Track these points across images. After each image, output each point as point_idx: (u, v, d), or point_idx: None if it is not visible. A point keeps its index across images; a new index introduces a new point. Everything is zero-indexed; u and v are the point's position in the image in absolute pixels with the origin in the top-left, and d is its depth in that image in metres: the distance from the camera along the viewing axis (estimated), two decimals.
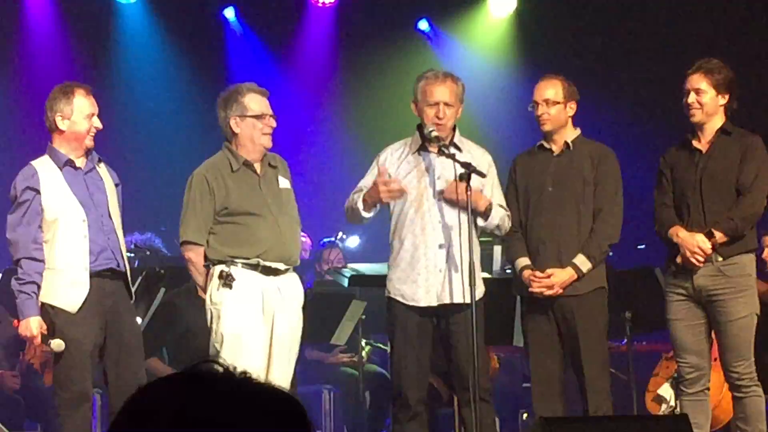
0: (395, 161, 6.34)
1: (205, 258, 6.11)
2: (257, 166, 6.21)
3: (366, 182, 6.35)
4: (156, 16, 11.25)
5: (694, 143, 6.35)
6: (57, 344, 5.87)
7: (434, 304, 6.17)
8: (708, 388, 6.32)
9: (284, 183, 6.30)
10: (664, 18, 10.79)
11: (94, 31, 11.05)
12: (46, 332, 5.89)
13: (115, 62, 11.10)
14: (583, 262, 6.31)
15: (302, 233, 10.00)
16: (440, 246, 6.19)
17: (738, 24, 10.51)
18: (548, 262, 6.38)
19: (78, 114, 6.03)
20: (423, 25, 11.66)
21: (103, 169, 6.20)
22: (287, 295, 6.15)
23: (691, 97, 6.31)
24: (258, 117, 6.14)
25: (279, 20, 11.67)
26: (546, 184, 6.44)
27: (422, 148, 6.33)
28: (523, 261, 6.45)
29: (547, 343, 6.39)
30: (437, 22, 11.68)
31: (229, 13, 11.49)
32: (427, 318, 6.22)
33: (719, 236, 6.17)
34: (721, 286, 6.21)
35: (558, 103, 6.47)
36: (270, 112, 6.20)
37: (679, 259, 6.26)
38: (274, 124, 6.20)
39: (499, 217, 6.30)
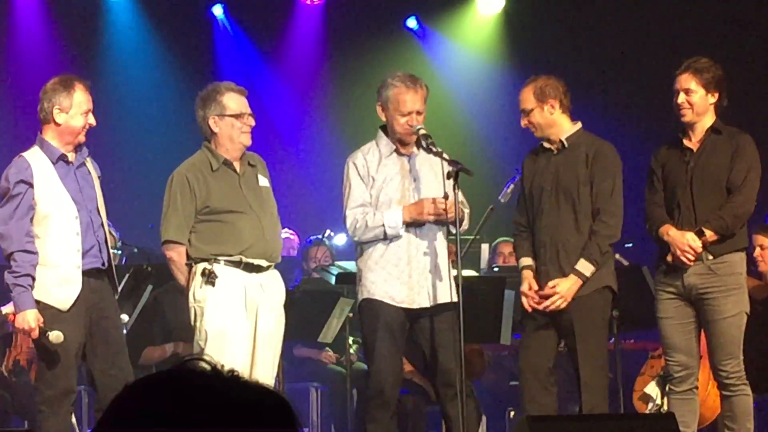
0: (374, 165, 6.31)
1: (187, 257, 6.12)
2: (237, 165, 6.22)
3: (362, 196, 6.30)
4: (144, 13, 11.23)
5: (685, 142, 6.35)
6: (55, 336, 5.82)
7: (426, 305, 6.20)
8: (696, 387, 6.33)
9: (263, 181, 6.31)
10: (653, 15, 10.80)
11: (82, 27, 11.03)
12: (43, 325, 5.86)
13: (102, 59, 11.07)
14: (585, 266, 6.24)
15: (291, 231, 10.02)
16: (427, 247, 6.21)
17: (729, 21, 10.52)
18: (548, 264, 6.34)
19: (76, 109, 5.99)
20: (411, 23, 11.67)
21: (89, 163, 6.18)
22: (270, 291, 6.16)
23: (681, 98, 6.30)
24: (237, 116, 6.15)
25: (267, 18, 11.66)
26: (546, 184, 6.42)
27: (396, 151, 6.33)
28: (525, 261, 6.42)
29: (541, 338, 6.36)
30: (426, 20, 11.68)
31: (218, 10, 11.48)
32: (405, 319, 6.24)
33: (710, 235, 6.17)
34: (710, 285, 6.21)
35: (533, 108, 6.41)
36: (249, 111, 6.20)
37: (669, 258, 6.26)
38: (253, 123, 6.21)
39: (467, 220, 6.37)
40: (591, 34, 10.96)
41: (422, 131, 6.24)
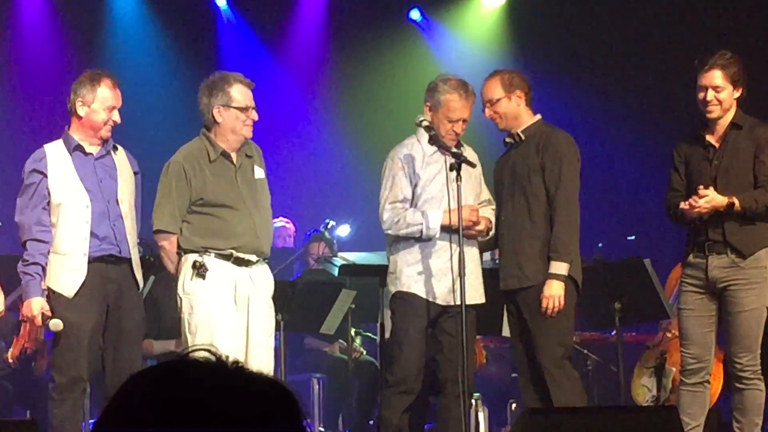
0: (419, 162, 6.35)
1: (178, 246, 6.13)
2: (234, 157, 6.21)
3: (403, 192, 6.33)
4: (147, 3, 11.23)
5: (708, 138, 6.31)
6: (54, 323, 5.93)
7: (458, 302, 6.24)
8: (708, 381, 6.33)
9: (259, 173, 6.29)
10: (657, 7, 10.78)
11: (85, 17, 11.02)
12: (49, 313, 5.93)
13: (105, 49, 11.07)
14: (556, 266, 6.28)
15: (286, 220, 9.98)
16: (462, 246, 6.23)
17: (739, 11, 10.50)
18: (506, 258, 6.42)
19: (99, 104, 6.06)
20: (415, 14, 11.65)
21: (120, 157, 6.23)
22: (259, 284, 6.17)
23: (710, 95, 6.23)
24: (242, 109, 6.13)
25: (271, 8, 11.66)
26: (505, 179, 6.48)
27: (439, 150, 6.37)
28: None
29: (522, 334, 6.44)
30: (429, 12, 11.67)
31: (221, 0, 11.47)
32: (436, 316, 6.33)
33: (736, 206, 6.13)
34: (734, 277, 6.20)
35: (501, 98, 6.43)
36: (253, 104, 6.19)
37: (685, 205, 6.17)
38: (256, 117, 6.19)
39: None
40: (595, 25, 10.94)
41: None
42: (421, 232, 6.29)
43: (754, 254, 6.21)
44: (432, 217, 6.29)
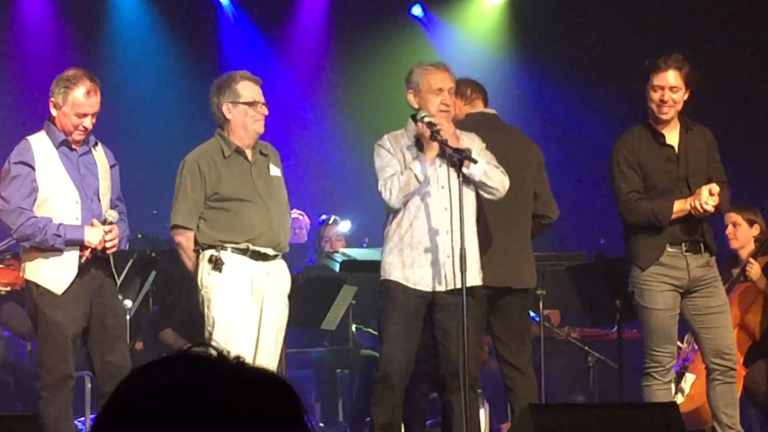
0: (399, 150, 6.34)
1: (195, 242, 6.16)
2: (248, 153, 6.26)
3: (393, 168, 6.26)
4: (149, 0, 11.23)
5: (667, 139, 6.36)
6: (112, 215, 5.98)
7: (441, 289, 6.20)
8: None
9: (275, 171, 6.36)
10: (657, 4, 10.79)
11: (87, 14, 11.03)
12: (104, 232, 5.91)
13: (107, 45, 11.07)
14: None
15: (300, 212, 9.95)
16: (446, 232, 6.20)
17: (733, 13, 10.51)
18: None
19: (69, 108, 5.95)
20: (417, 10, 11.66)
21: (99, 152, 6.17)
22: (276, 279, 6.21)
23: (667, 95, 6.29)
24: (250, 104, 6.19)
25: (273, 4, 11.66)
26: None
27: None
28: None
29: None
30: (431, 8, 11.68)
31: None
32: (423, 304, 6.25)
33: (720, 208, 6.28)
34: (710, 275, 6.34)
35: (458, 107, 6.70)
36: (262, 100, 6.25)
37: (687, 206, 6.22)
38: (266, 112, 6.26)
39: (486, 166, 6.25)
40: (596, 22, 10.94)
41: (427, 119, 6.25)
42: (416, 177, 6.17)
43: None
44: (417, 165, 6.19)
